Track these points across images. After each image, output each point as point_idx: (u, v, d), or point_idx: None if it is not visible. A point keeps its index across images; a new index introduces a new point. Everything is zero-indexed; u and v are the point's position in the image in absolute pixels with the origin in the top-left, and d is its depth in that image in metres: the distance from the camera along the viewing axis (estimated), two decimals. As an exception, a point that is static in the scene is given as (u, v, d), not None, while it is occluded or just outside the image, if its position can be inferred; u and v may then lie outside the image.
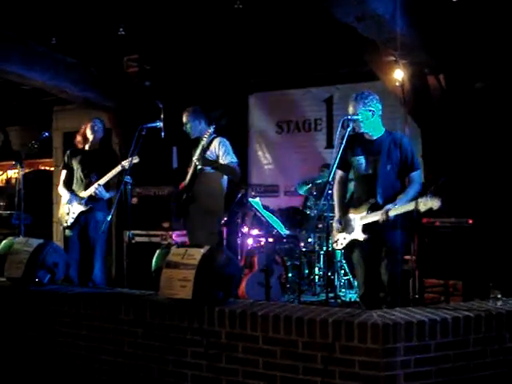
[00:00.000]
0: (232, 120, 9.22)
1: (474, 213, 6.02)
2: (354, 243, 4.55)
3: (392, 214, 4.26)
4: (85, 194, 6.05)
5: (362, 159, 4.55)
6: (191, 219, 5.84)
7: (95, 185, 5.97)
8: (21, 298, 4.47)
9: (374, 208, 4.40)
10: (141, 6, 7.15)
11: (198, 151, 5.73)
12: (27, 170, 11.03)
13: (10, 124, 11.54)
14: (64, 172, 6.35)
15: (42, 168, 11.63)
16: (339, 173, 4.76)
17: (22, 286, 4.51)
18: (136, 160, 5.57)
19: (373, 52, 7.11)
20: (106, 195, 6.05)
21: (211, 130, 5.73)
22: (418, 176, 4.54)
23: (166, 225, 7.58)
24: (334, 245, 4.72)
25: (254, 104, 9.57)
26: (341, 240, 4.62)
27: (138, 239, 7.59)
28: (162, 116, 8.38)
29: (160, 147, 8.67)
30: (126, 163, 5.66)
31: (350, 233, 4.55)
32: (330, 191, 4.54)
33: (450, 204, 6.99)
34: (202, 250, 3.75)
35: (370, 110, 4.43)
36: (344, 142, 4.38)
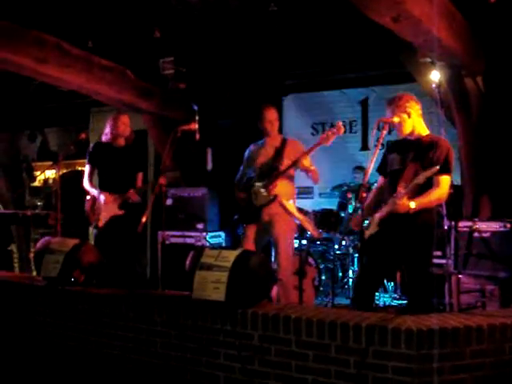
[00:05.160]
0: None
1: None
2: (368, 243, 4.38)
3: (400, 200, 4.06)
4: (120, 198, 5.91)
5: (394, 156, 4.43)
6: (271, 223, 5.53)
7: (131, 191, 5.86)
8: (57, 298, 4.54)
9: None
10: (176, 9, 7.21)
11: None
12: (65, 171, 11.22)
13: (47, 125, 11.73)
14: (88, 167, 6.18)
15: (79, 168, 11.80)
16: (379, 179, 4.68)
17: (58, 285, 4.58)
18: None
19: (409, 53, 7.05)
20: (139, 199, 5.94)
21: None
22: (445, 182, 4.16)
23: (200, 226, 7.62)
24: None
25: (289, 106, 9.55)
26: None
27: (172, 240, 7.65)
28: (196, 118, 8.46)
29: (195, 149, 8.74)
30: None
31: (369, 230, 4.42)
32: (364, 194, 4.48)
33: (489, 208, 6.93)
34: (236, 252, 3.76)
35: (406, 112, 4.36)
36: (378, 143, 4.32)
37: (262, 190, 5.51)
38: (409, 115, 4.34)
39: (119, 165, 6.03)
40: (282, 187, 5.51)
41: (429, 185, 4.15)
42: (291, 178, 5.66)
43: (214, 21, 7.48)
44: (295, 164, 5.47)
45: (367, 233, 4.43)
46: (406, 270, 4.30)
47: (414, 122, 4.38)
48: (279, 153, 5.62)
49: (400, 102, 4.35)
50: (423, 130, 4.43)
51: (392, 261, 4.35)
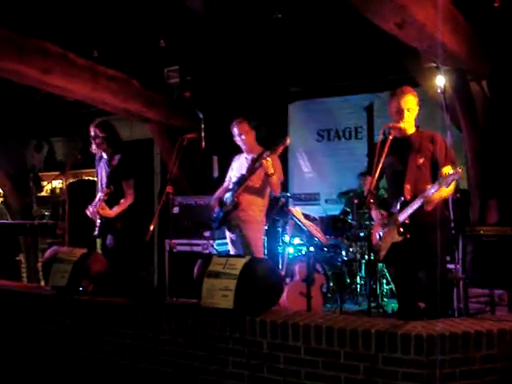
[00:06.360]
0: (272, 129, 9.25)
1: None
2: (392, 253, 4.34)
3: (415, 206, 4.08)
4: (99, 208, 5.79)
5: (392, 158, 4.37)
6: (240, 228, 5.77)
7: (101, 206, 5.73)
8: (65, 307, 4.54)
9: (402, 206, 4.22)
10: (181, 19, 7.24)
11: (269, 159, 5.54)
12: (72, 180, 11.26)
13: (54, 135, 11.77)
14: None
15: (86, 178, 11.81)
16: (368, 179, 4.54)
17: (67, 294, 4.59)
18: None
19: (413, 59, 7.05)
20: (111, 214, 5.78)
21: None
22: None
23: (207, 234, 7.61)
24: (379, 256, 4.50)
25: (294, 113, 9.57)
26: (382, 250, 4.39)
27: (179, 248, 7.64)
28: (202, 126, 8.48)
29: (201, 157, 8.75)
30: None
31: (387, 238, 4.35)
32: (372, 200, 4.44)
33: (496, 212, 6.91)
34: (244, 260, 3.76)
35: (418, 104, 4.37)
36: (385, 150, 4.30)
37: (228, 198, 5.81)
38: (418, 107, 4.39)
39: (105, 173, 5.94)
40: (248, 197, 5.71)
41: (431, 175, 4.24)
42: (260, 191, 5.80)
43: (219, 29, 7.50)
44: (252, 174, 5.67)
45: (388, 241, 4.35)
46: (427, 273, 4.22)
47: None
48: (253, 164, 5.79)
49: (415, 93, 4.38)
50: (413, 127, 4.43)
51: (418, 265, 4.31)
